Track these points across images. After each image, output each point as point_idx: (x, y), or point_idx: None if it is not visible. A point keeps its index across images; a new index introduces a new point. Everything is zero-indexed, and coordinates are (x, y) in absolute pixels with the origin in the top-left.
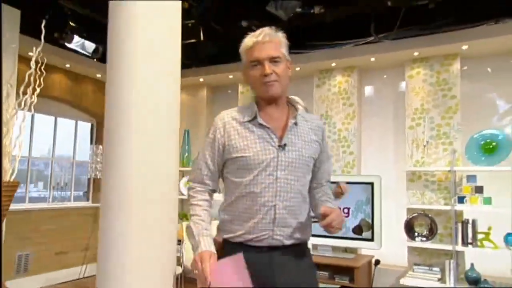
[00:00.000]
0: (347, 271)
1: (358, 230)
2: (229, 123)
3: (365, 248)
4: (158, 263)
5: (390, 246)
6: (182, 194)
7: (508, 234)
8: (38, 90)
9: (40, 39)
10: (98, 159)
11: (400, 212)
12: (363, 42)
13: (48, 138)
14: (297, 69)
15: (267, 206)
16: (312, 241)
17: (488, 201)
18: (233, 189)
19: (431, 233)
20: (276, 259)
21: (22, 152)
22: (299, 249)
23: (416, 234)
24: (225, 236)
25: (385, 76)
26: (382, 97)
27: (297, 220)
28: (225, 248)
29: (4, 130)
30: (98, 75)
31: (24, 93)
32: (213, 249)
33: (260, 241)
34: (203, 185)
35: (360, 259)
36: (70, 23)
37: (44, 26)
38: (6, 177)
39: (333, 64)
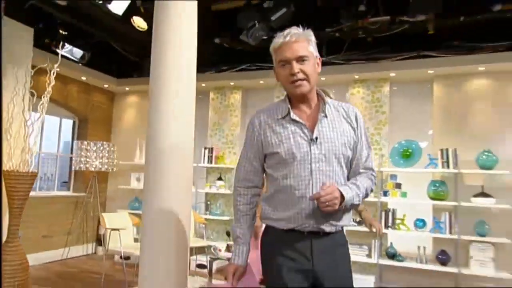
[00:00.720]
0: None
1: None
2: (264, 121)
3: None
4: (182, 234)
5: None
6: None
7: (417, 220)
8: (48, 96)
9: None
10: (83, 153)
11: None
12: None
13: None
14: (261, 82)
15: (306, 197)
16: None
17: (404, 194)
18: (272, 182)
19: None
20: (316, 245)
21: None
22: (338, 236)
23: (352, 220)
24: (269, 223)
25: (333, 91)
26: None
27: (335, 208)
28: (269, 233)
29: (16, 129)
30: (83, 78)
31: (37, 97)
32: (240, 260)
33: (302, 228)
34: (247, 181)
35: None
36: (61, 31)
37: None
38: (27, 168)
39: None
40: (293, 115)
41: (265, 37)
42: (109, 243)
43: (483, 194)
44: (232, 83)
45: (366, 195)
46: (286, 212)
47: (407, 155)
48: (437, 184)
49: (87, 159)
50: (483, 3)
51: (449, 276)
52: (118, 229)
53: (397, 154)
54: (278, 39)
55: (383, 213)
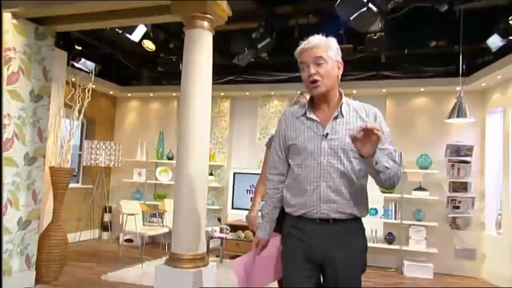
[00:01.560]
0: None
1: None
2: (288, 117)
3: None
4: (201, 206)
5: None
6: (157, 180)
7: (371, 208)
8: (83, 109)
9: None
10: (92, 151)
11: None
12: (294, 76)
13: None
14: (247, 93)
15: (313, 186)
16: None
17: None
18: (291, 171)
19: None
20: (326, 230)
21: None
22: (348, 223)
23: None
24: (286, 210)
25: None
26: None
27: (342, 198)
28: (286, 220)
29: (56, 134)
30: (93, 86)
31: (69, 107)
32: (265, 234)
33: (311, 215)
34: (275, 169)
35: None
36: (76, 47)
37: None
38: (67, 165)
39: (272, 93)
40: (309, 114)
41: (252, 60)
42: (125, 226)
43: (421, 188)
44: (222, 93)
45: (392, 177)
46: (298, 199)
47: None
48: None
49: (97, 156)
50: (422, 40)
51: (394, 252)
52: (133, 214)
53: None
54: (300, 46)
55: None
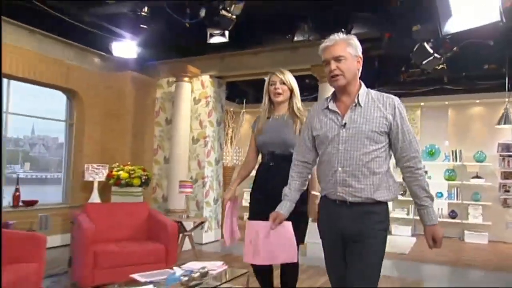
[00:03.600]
0: None
1: None
2: (314, 110)
3: None
4: None
5: None
6: None
7: (437, 192)
8: (240, 129)
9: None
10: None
11: None
12: None
13: None
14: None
15: (332, 171)
16: None
17: (429, 177)
18: (319, 158)
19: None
20: (343, 211)
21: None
22: (366, 207)
23: (390, 195)
24: (321, 192)
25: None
26: None
27: (358, 182)
28: (320, 200)
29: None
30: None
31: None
32: (282, 210)
33: (331, 196)
34: (301, 156)
35: None
36: None
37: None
38: (232, 164)
39: None
40: (330, 106)
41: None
42: None
43: (477, 177)
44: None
45: (429, 193)
46: (322, 182)
47: (432, 153)
48: (450, 171)
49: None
50: (477, 63)
51: (456, 225)
52: None
53: (425, 153)
54: (322, 44)
55: None
